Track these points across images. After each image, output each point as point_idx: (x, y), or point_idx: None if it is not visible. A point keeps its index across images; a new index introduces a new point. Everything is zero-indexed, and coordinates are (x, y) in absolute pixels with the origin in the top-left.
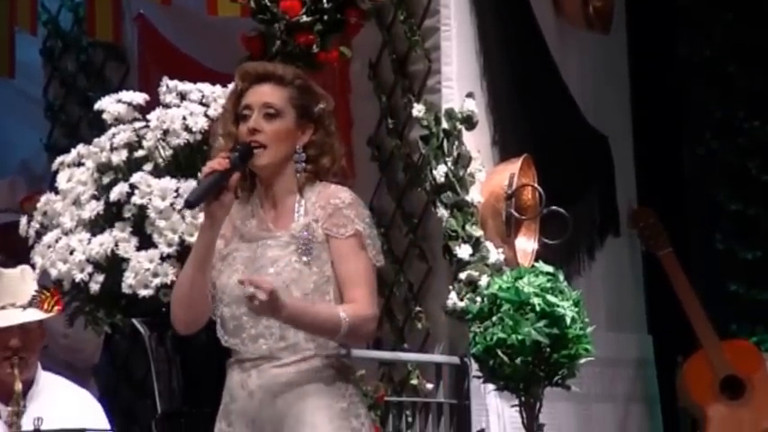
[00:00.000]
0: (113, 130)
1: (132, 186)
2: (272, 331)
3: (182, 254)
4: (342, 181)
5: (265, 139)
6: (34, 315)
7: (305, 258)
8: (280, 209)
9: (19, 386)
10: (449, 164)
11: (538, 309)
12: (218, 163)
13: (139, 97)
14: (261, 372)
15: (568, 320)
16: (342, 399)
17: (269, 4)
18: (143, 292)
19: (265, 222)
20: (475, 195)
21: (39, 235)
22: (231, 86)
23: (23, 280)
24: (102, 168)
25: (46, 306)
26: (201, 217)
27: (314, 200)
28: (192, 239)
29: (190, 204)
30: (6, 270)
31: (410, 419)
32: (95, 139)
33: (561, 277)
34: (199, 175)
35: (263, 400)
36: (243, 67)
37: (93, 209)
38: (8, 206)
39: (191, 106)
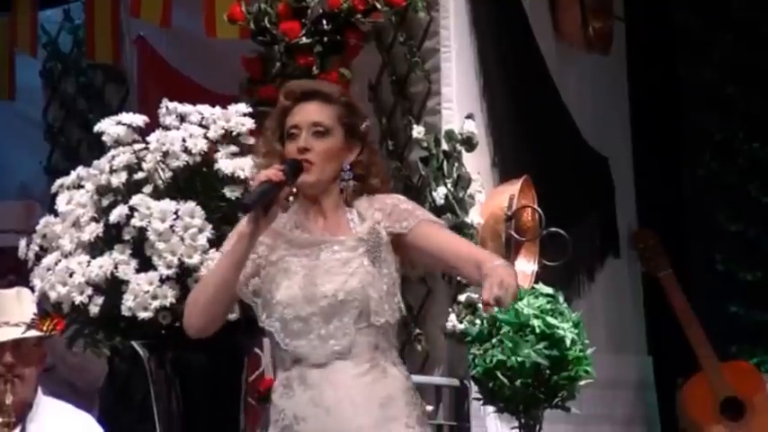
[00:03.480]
0: (113, 152)
1: (132, 208)
2: (346, 331)
3: (181, 276)
4: None
5: (315, 157)
6: (28, 333)
7: (376, 260)
8: (329, 219)
9: (10, 398)
10: (449, 185)
11: (538, 331)
12: (273, 174)
13: (139, 119)
14: (335, 386)
15: (568, 342)
16: (418, 405)
17: (268, 25)
18: (142, 315)
19: (319, 230)
20: (475, 217)
21: (38, 257)
22: (277, 106)
23: (19, 300)
24: (102, 190)
25: (44, 327)
26: (201, 240)
27: (366, 206)
28: (192, 261)
29: (247, 207)
30: (2, 290)
31: None
32: (95, 162)
33: (561, 299)
34: (251, 182)
35: (343, 415)
36: (288, 85)
37: (92, 231)
38: (23, 228)
39: (190, 128)
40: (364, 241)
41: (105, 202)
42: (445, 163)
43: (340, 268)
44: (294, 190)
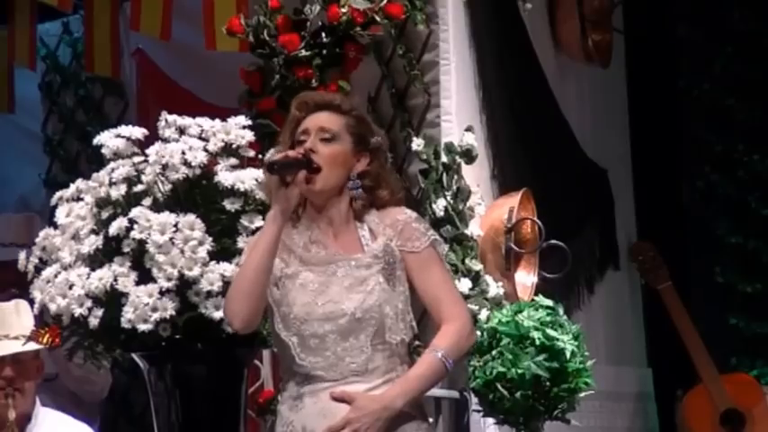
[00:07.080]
0: (112, 164)
1: (131, 221)
2: (363, 349)
3: (180, 288)
4: None
5: (321, 161)
6: (27, 346)
7: (390, 278)
8: (340, 236)
9: (13, 414)
10: (448, 198)
11: (538, 343)
12: (292, 152)
13: (138, 132)
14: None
15: (568, 354)
16: (426, 419)
17: (268, 38)
18: (142, 327)
19: (334, 247)
20: (474, 229)
21: (38, 270)
22: (289, 117)
23: (18, 313)
24: (101, 203)
25: (42, 339)
26: (201, 252)
27: (377, 221)
28: (192, 274)
29: (272, 168)
30: (1, 303)
31: None
32: (94, 174)
33: (561, 311)
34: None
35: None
36: (300, 96)
37: (92, 243)
38: (25, 242)
39: (190, 141)
40: (379, 258)
41: (105, 215)
42: (445, 175)
43: (358, 286)
44: (308, 177)
